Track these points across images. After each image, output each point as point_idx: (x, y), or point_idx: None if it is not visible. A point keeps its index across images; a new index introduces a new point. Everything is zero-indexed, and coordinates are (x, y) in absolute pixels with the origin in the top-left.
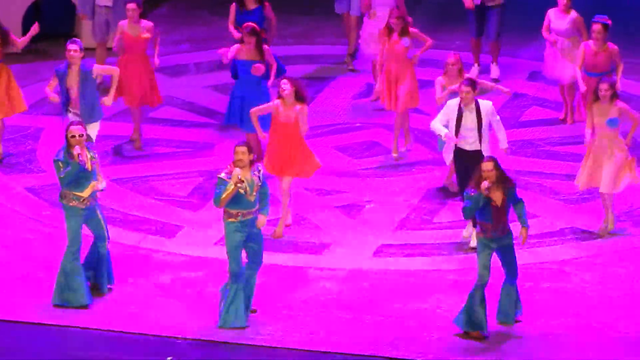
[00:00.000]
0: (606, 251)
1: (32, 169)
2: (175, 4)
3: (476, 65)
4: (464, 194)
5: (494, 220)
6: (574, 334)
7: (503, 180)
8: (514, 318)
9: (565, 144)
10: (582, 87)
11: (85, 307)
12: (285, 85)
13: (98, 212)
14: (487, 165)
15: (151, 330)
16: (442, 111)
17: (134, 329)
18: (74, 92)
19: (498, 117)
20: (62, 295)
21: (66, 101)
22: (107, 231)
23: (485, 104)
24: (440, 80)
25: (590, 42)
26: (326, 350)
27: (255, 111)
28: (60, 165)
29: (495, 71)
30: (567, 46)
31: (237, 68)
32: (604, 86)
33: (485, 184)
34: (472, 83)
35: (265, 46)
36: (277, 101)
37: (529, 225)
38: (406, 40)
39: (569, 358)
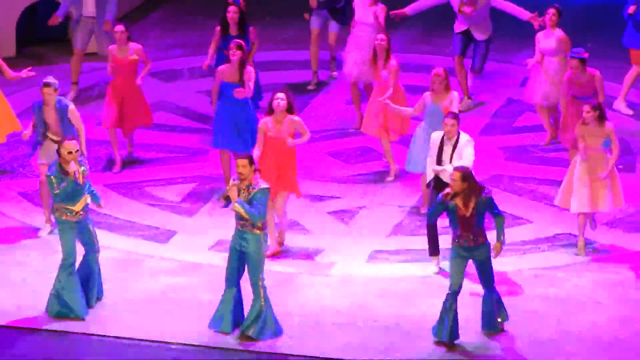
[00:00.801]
0: (599, 257)
1: (26, 173)
2: (169, 9)
3: (466, 98)
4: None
5: (460, 229)
6: (567, 340)
7: (474, 191)
8: (498, 327)
9: (559, 150)
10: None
11: (81, 319)
12: (281, 100)
13: (90, 225)
14: (453, 175)
15: (145, 336)
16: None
17: (128, 334)
18: (54, 125)
19: (470, 150)
20: (58, 310)
21: (44, 130)
22: (98, 244)
23: (465, 140)
24: (427, 95)
25: (571, 75)
26: (319, 356)
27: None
28: (54, 180)
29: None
30: (554, 66)
31: (221, 89)
32: (585, 108)
33: (445, 190)
34: (456, 117)
35: (249, 68)
36: (265, 119)
37: (504, 242)
38: (384, 72)
39: None
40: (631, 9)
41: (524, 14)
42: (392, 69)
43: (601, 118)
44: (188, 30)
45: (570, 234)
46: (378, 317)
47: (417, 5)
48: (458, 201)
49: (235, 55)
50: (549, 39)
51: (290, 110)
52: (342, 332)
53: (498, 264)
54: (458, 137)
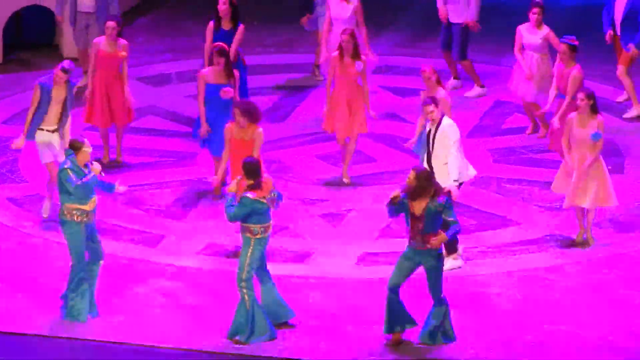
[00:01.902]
0: (589, 258)
1: (14, 179)
2: (158, 13)
3: (452, 79)
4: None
5: (411, 229)
6: (558, 342)
7: (426, 192)
8: (437, 340)
9: (547, 151)
10: (546, 107)
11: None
12: (241, 117)
13: (96, 231)
14: (410, 173)
15: (135, 340)
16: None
17: (118, 338)
18: (55, 109)
19: (454, 141)
20: (72, 314)
21: (40, 121)
22: (102, 252)
23: (447, 127)
24: (422, 93)
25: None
26: (309, 359)
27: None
28: (70, 173)
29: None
30: (537, 61)
31: (207, 92)
32: (580, 96)
33: (396, 190)
34: (434, 101)
35: (235, 71)
36: (228, 125)
37: (448, 238)
38: (359, 64)
39: None
40: (608, 36)
41: None
42: (362, 68)
43: (593, 109)
44: (177, 35)
45: (559, 235)
46: (367, 319)
47: None
48: (412, 201)
49: (220, 63)
50: (534, 35)
51: (252, 120)
52: (331, 335)
53: (488, 266)
54: (440, 122)
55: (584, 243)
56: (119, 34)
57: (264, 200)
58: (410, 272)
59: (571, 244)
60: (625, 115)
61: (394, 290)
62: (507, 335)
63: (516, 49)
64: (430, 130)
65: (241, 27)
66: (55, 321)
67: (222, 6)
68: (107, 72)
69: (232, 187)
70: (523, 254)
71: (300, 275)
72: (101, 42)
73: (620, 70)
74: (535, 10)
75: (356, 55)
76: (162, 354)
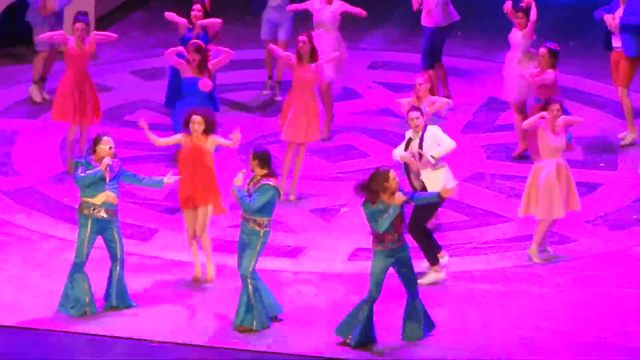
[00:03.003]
0: (580, 255)
1: (7, 171)
2: (152, 8)
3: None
4: (368, 207)
5: (394, 228)
6: (548, 338)
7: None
8: (421, 335)
9: None
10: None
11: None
12: (198, 125)
13: (115, 229)
14: (394, 173)
15: (127, 334)
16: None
17: (110, 332)
18: None
19: (445, 136)
20: (65, 306)
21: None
22: (122, 252)
23: (432, 130)
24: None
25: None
26: (300, 354)
27: (161, 142)
28: (77, 166)
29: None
30: (515, 60)
31: (181, 85)
32: (555, 106)
33: (400, 195)
34: (419, 109)
35: (210, 65)
36: (180, 135)
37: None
38: (314, 66)
39: None
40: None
41: None
42: (318, 69)
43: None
44: (170, 29)
45: (551, 231)
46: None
47: None
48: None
49: (195, 60)
50: (517, 35)
51: (207, 131)
52: (323, 330)
53: (481, 262)
54: (424, 131)
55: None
56: (88, 33)
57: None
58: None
59: (566, 239)
60: (622, 143)
61: (374, 301)
62: (498, 332)
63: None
64: (411, 140)
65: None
66: (53, 315)
67: (197, 13)
68: (76, 71)
69: (238, 179)
70: (514, 250)
71: (292, 270)
72: (71, 41)
73: (621, 92)
74: (519, 15)
75: (312, 58)
76: (155, 349)
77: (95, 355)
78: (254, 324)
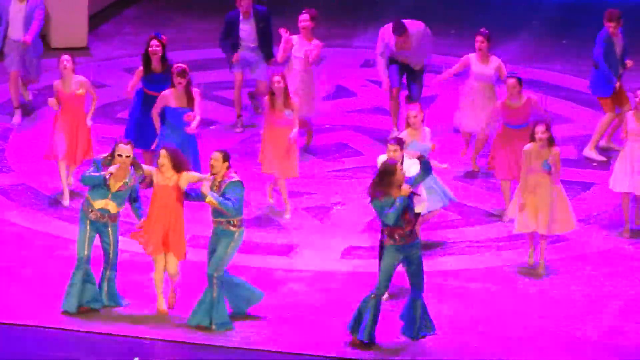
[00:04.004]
0: (570, 254)
1: (1, 168)
2: (145, 5)
3: (395, 129)
4: (376, 202)
5: (405, 222)
6: (540, 337)
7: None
8: (418, 333)
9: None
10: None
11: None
12: (162, 159)
13: (111, 232)
14: (397, 168)
15: (116, 331)
16: None
17: (99, 329)
18: None
19: (415, 169)
20: (68, 303)
21: None
22: (115, 257)
23: (410, 163)
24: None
25: (506, 99)
26: (293, 352)
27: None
28: (91, 166)
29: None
30: (483, 92)
31: (166, 115)
32: (541, 128)
33: (407, 187)
34: (400, 142)
35: (195, 90)
36: (153, 169)
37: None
38: (289, 113)
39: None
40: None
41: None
42: (295, 107)
43: (551, 140)
44: (163, 26)
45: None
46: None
47: (382, 66)
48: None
49: (181, 84)
50: (486, 65)
51: (176, 168)
52: (316, 328)
53: (477, 261)
54: (402, 161)
55: (533, 271)
56: (74, 70)
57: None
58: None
59: (556, 238)
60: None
61: (381, 297)
62: (489, 330)
63: (450, 72)
64: None
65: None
66: (38, 310)
67: (156, 49)
68: (67, 112)
69: (206, 187)
70: (504, 250)
71: (285, 268)
72: (59, 83)
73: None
74: (478, 38)
75: (287, 101)
76: (145, 345)
77: (86, 351)
78: (213, 324)
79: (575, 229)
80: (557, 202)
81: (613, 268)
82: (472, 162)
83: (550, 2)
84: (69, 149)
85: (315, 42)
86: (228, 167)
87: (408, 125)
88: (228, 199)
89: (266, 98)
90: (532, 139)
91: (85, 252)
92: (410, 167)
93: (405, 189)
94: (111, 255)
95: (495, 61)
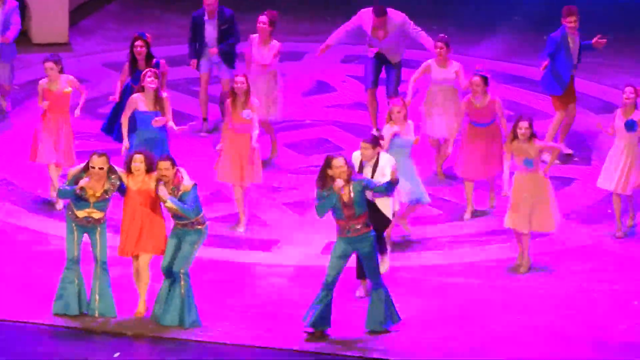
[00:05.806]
0: (557, 249)
1: None
2: (125, 0)
3: (375, 130)
4: (317, 192)
5: (345, 217)
6: (522, 332)
7: (350, 176)
8: (382, 326)
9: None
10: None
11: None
12: (139, 164)
13: (98, 233)
14: (338, 162)
15: (99, 326)
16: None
17: (80, 324)
18: None
19: (389, 171)
20: (58, 306)
21: None
22: (103, 256)
23: (386, 159)
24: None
25: (470, 96)
26: (274, 347)
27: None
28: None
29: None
30: (444, 97)
31: (135, 118)
32: (524, 124)
33: (339, 182)
34: (374, 141)
35: (165, 95)
36: (125, 175)
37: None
38: (248, 113)
39: (518, 356)
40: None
41: (430, 43)
42: (254, 108)
43: (532, 135)
44: (145, 21)
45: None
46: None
47: (336, 35)
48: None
49: (153, 83)
50: (446, 69)
51: (149, 171)
52: (296, 323)
53: (458, 256)
54: (378, 159)
55: (519, 267)
56: (61, 71)
57: None
58: (345, 265)
59: (543, 233)
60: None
61: (331, 288)
62: (471, 326)
63: (414, 80)
64: (362, 163)
65: (164, 64)
66: (20, 306)
67: (141, 49)
68: (55, 111)
69: (164, 193)
70: (491, 244)
71: (266, 263)
72: (44, 83)
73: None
74: (438, 44)
75: (247, 101)
76: (127, 341)
77: (73, 346)
78: (185, 322)
79: (554, 229)
80: (545, 199)
81: (595, 263)
82: (438, 170)
83: None
84: (56, 151)
85: (274, 42)
86: (176, 173)
87: (390, 119)
88: (187, 203)
89: (228, 101)
90: (515, 134)
91: (75, 253)
92: (386, 165)
93: (337, 185)
94: (99, 255)
95: (455, 65)
